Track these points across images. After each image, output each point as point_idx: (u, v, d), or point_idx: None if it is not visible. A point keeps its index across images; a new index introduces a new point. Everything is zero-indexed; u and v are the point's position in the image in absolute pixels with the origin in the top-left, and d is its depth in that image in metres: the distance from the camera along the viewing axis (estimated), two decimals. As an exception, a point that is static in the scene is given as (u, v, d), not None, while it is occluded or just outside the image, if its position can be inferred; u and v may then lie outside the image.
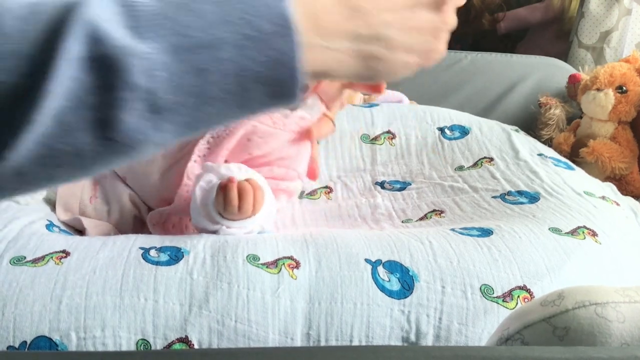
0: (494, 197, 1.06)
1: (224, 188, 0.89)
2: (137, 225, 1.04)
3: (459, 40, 2.51)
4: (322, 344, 0.76)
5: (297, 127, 1.01)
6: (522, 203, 1.01)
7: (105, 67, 0.44)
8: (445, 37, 0.60)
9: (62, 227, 0.96)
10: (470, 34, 2.53)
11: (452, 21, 0.59)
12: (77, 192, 1.02)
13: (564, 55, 1.90)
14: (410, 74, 0.58)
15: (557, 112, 1.54)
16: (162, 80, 0.46)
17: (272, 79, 0.50)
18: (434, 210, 1.08)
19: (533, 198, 1.03)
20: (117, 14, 0.46)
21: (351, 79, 0.57)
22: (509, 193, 1.06)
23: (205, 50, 0.48)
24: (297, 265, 0.81)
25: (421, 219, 1.07)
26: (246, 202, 0.89)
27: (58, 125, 0.44)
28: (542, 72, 1.68)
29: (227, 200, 0.88)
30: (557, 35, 2.28)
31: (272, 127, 1.01)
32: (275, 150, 1.02)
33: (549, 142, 1.50)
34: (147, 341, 0.74)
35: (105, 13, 0.45)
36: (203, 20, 0.48)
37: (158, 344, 0.74)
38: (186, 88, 0.47)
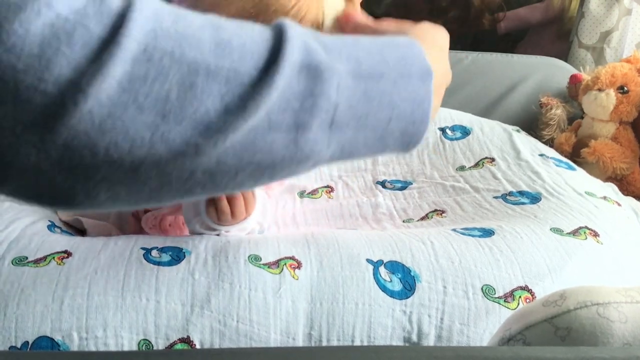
0: (496, 197, 1.06)
1: (211, 200, 0.89)
2: (138, 225, 1.04)
3: (459, 40, 2.51)
4: (324, 344, 0.76)
5: None
6: (523, 203, 1.01)
7: (313, 75, 0.49)
8: None
9: (64, 228, 0.96)
10: (470, 34, 2.53)
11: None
12: None
13: (564, 55, 1.90)
14: None
15: (558, 112, 1.54)
16: (344, 98, 0.51)
17: (410, 118, 0.57)
18: (435, 210, 1.08)
19: (534, 198, 1.03)
20: (312, 36, 0.52)
21: None
22: (511, 193, 1.06)
23: (374, 80, 0.54)
24: (299, 265, 0.81)
25: (422, 218, 1.07)
26: (238, 207, 0.89)
27: (266, 120, 0.47)
28: (543, 72, 1.68)
29: (219, 210, 0.89)
30: (557, 35, 2.29)
31: None
32: None
33: (550, 142, 1.50)
34: (149, 341, 0.74)
35: (306, 33, 0.51)
36: (370, 56, 0.56)
37: (160, 344, 0.74)
38: (356, 110, 0.53)
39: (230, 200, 0.89)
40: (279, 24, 0.50)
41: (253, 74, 0.46)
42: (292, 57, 0.48)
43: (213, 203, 0.89)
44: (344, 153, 0.55)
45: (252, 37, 0.48)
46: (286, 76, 0.47)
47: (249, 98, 0.46)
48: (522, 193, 1.05)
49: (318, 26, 0.91)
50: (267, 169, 0.50)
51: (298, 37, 0.49)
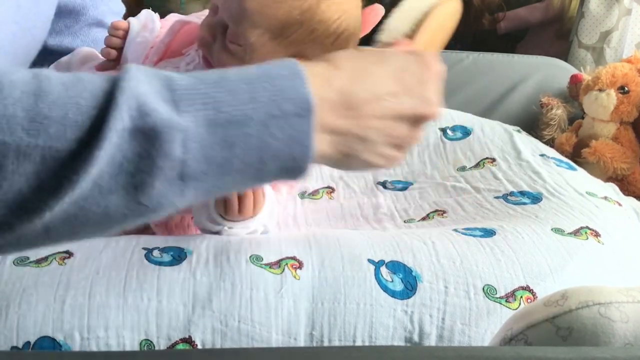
0: (496, 197, 1.06)
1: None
2: (140, 226, 1.04)
3: (459, 40, 2.51)
4: (325, 344, 0.77)
5: None
6: (524, 203, 1.02)
7: (148, 137, 0.48)
8: (409, 150, 0.67)
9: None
10: (470, 34, 2.53)
11: (421, 137, 0.66)
12: None
13: (564, 55, 1.90)
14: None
15: (558, 112, 1.54)
16: (194, 151, 0.50)
17: (288, 155, 0.55)
18: (436, 211, 1.08)
19: (535, 198, 1.03)
20: (158, 88, 0.50)
21: (324, 164, 0.63)
22: (512, 194, 1.06)
23: (235, 125, 0.53)
24: (300, 265, 0.81)
25: (423, 219, 1.07)
26: (246, 204, 0.89)
27: (95, 188, 0.47)
28: (543, 72, 1.68)
29: (227, 204, 0.88)
30: (557, 35, 2.29)
31: None
32: None
33: (550, 143, 1.50)
34: (151, 341, 0.74)
35: (148, 87, 0.49)
36: (235, 97, 0.53)
37: (161, 344, 0.74)
38: (213, 159, 0.52)
39: (240, 197, 0.88)
40: (117, 81, 0.49)
41: (73, 148, 0.46)
42: (119, 124, 0.47)
43: (223, 196, 0.89)
44: (212, 193, 0.55)
45: (78, 104, 0.47)
46: (113, 144, 0.47)
47: (68, 173, 0.46)
48: (523, 193, 1.05)
49: (355, 41, 0.92)
50: (110, 223, 0.50)
51: (132, 99, 0.48)
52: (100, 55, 1.09)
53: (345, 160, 0.62)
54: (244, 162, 0.53)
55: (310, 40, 0.89)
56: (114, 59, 1.03)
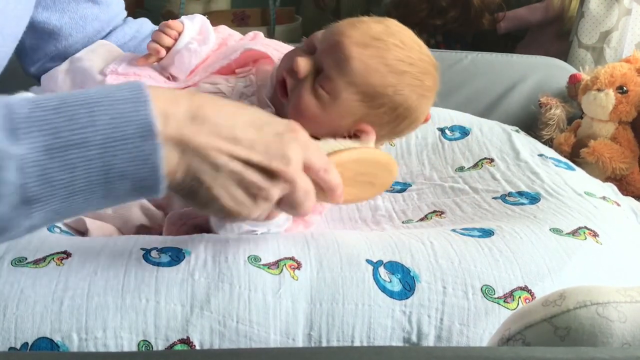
0: (495, 198, 1.06)
1: None
2: (142, 232, 1.03)
3: (459, 40, 2.51)
4: (324, 345, 0.77)
5: None
6: (522, 204, 1.02)
7: None
8: (264, 208, 0.69)
9: (64, 228, 0.96)
10: (470, 34, 2.53)
11: (275, 197, 0.68)
12: None
13: (564, 55, 1.90)
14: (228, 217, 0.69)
15: (557, 112, 1.54)
16: (33, 176, 0.54)
17: (136, 176, 0.58)
18: (434, 211, 1.08)
19: (533, 199, 1.03)
20: None
21: (181, 197, 0.67)
22: (510, 194, 1.06)
23: (74, 149, 0.56)
24: (299, 266, 0.81)
25: (422, 219, 1.07)
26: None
27: None
28: (542, 72, 1.68)
29: None
30: (557, 35, 2.29)
31: None
32: None
33: (549, 142, 1.50)
34: (149, 342, 0.74)
35: None
36: (73, 122, 0.57)
37: (160, 345, 0.74)
38: (56, 182, 0.55)
39: None
40: None
41: None
42: None
43: None
44: (63, 215, 0.59)
45: None
46: None
47: None
48: (521, 194, 1.05)
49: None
50: None
51: None
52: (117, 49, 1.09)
53: (198, 189, 0.65)
54: (89, 182, 0.57)
55: (388, 116, 0.93)
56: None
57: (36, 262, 0.79)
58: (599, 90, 1.45)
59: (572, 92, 1.57)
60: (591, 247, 0.89)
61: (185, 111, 0.62)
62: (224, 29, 1.14)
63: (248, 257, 0.81)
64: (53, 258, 0.80)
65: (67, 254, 0.81)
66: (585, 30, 1.85)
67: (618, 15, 1.80)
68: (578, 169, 1.18)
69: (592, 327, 0.55)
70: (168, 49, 1.03)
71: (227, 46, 1.10)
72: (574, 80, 1.56)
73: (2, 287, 0.75)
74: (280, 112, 0.96)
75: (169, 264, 0.79)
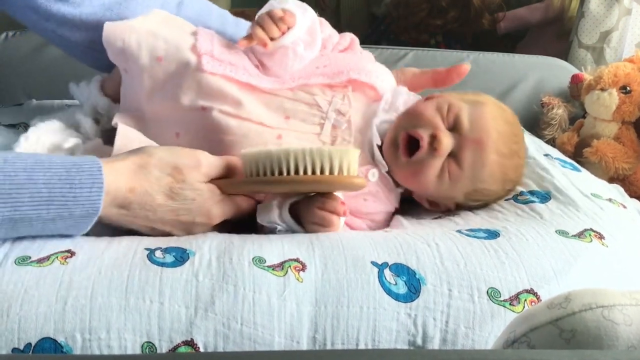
0: (507, 199, 1.05)
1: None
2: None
3: (459, 40, 2.51)
4: (328, 347, 0.76)
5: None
6: (532, 202, 1.01)
7: None
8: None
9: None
10: (470, 34, 2.53)
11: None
12: None
13: (564, 55, 1.90)
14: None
15: (559, 112, 1.54)
16: None
17: (66, 232, 0.83)
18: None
19: (544, 197, 1.02)
20: None
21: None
22: (521, 193, 1.05)
23: (26, 222, 0.77)
24: (303, 267, 0.80)
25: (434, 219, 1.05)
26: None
27: None
28: (544, 72, 1.68)
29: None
30: (557, 35, 2.29)
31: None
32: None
33: (551, 142, 1.50)
34: (153, 344, 0.74)
35: None
36: (33, 200, 0.76)
37: (163, 347, 0.74)
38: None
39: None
40: None
41: None
42: None
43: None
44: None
45: None
46: None
47: None
48: (532, 193, 1.04)
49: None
50: None
51: None
52: None
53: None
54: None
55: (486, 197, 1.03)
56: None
57: (40, 261, 0.79)
58: (602, 90, 1.45)
59: (575, 91, 1.57)
60: (597, 250, 0.89)
61: (125, 186, 0.85)
62: (325, 26, 1.12)
63: (253, 259, 0.80)
64: (57, 257, 0.80)
65: (71, 253, 0.80)
66: (585, 30, 1.85)
67: (618, 15, 1.80)
68: (584, 170, 1.17)
69: (597, 330, 0.55)
70: (272, 39, 1.00)
71: (327, 58, 1.07)
72: (576, 80, 1.56)
73: (6, 286, 0.74)
74: (389, 162, 1.01)
75: (173, 265, 0.79)
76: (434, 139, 0.97)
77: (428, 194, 1.03)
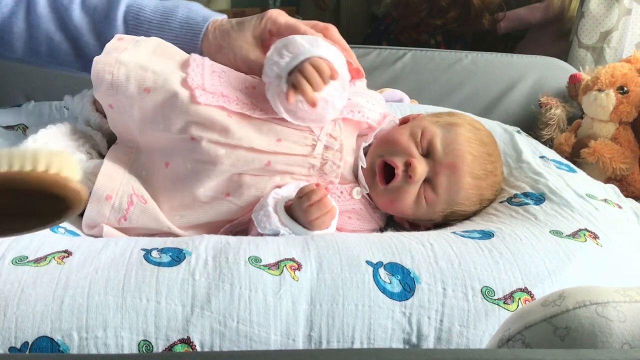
0: (501, 202, 1.06)
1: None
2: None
3: (459, 40, 2.51)
4: (324, 345, 0.77)
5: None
6: (527, 204, 1.01)
7: None
8: None
9: (69, 228, 0.95)
10: (470, 34, 2.53)
11: None
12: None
13: (564, 55, 1.90)
14: None
15: (557, 112, 1.54)
16: None
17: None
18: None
19: (538, 199, 1.02)
20: None
21: None
22: (515, 196, 1.05)
23: None
24: (299, 267, 0.81)
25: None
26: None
27: None
28: (542, 72, 1.68)
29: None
30: (557, 35, 2.29)
31: None
32: None
33: (549, 142, 1.50)
34: (149, 342, 0.74)
35: None
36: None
37: (160, 345, 0.74)
38: None
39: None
40: None
41: None
42: None
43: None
44: None
45: None
46: None
47: None
48: (526, 195, 1.05)
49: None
50: None
51: None
52: None
53: None
54: None
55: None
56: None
57: (37, 261, 0.79)
58: (599, 90, 1.45)
59: (573, 92, 1.56)
60: (591, 249, 0.89)
61: None
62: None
63: (249, 258, 0.81)
64: (54, 257, 0.80)
65: (68, 253, 0.81)
66: (585, 30, 1.85)
67: (618, 15, 1.80)
68: (579, 171, 1.18)
69: (591, 327, 0.55)
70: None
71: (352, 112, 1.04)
72: (574, 80, 1.55)
73: (3, 286, 0.75)
74: (369, 187, 1.04)
75: (170, 264, 0.79)
76: (408, 166, 0.99)
77: (407, 217, 1.06)
